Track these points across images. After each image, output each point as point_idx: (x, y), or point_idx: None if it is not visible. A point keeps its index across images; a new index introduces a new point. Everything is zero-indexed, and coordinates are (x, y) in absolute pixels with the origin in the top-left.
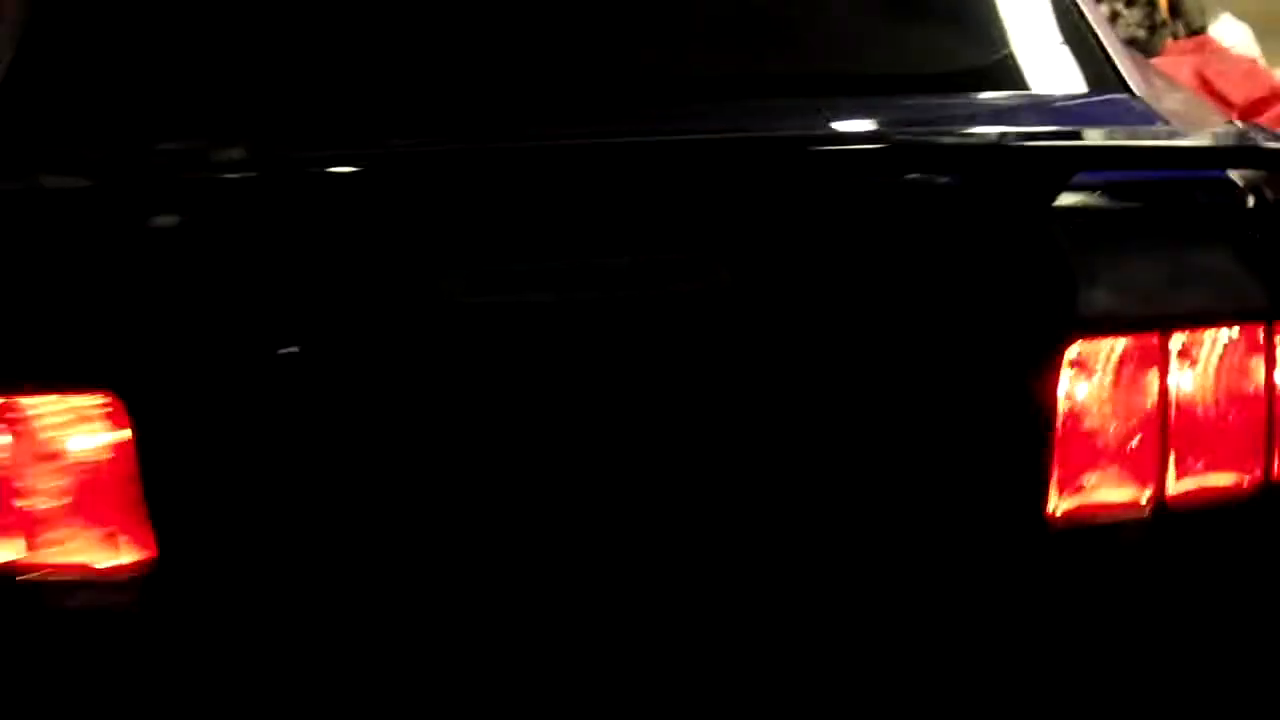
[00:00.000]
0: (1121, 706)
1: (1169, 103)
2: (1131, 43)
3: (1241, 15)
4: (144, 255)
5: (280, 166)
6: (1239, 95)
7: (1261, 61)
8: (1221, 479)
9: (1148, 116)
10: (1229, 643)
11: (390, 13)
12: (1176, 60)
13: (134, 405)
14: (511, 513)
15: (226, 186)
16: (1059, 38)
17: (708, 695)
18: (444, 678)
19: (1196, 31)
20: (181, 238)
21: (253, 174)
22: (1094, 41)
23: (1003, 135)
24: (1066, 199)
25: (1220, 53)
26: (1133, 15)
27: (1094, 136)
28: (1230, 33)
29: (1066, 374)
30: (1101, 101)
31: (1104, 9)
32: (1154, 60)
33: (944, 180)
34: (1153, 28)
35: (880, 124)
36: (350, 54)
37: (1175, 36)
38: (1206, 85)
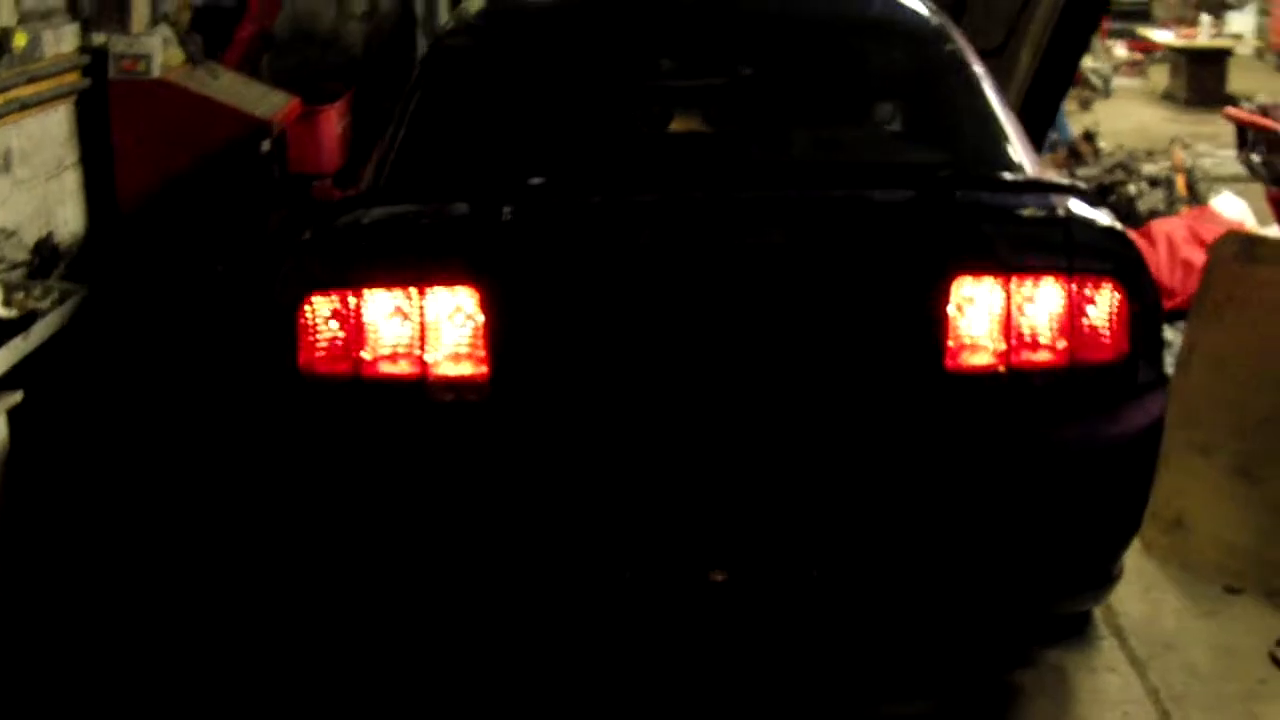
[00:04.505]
0: (978, 461)
1: (1036, 172)
2: (1153, 213)
3: None
4: (501, 233)
5: (569, 187)
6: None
7: (1251, 223)
8: (1043, 355)
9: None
10: (1044, 437)
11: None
12: (1180, 219)
13: (485, 296)
14: (683, 349)
15: (542, 196)
16: (991, 144)
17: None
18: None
19: (1203, 204)
20: (517, 223)
21: (559, 193)
22: (1016, 148)
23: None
24: (972, 212)
25: (1214, 216)
26: (1156, 194)
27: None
28: (1228, 205)
29: (957, 294)
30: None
31: (1131, 188)
32: (1164, 220)
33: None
34: (1171, 202)
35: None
36: (612, 144)
37: (1189, 206)
38: (1195, 234)
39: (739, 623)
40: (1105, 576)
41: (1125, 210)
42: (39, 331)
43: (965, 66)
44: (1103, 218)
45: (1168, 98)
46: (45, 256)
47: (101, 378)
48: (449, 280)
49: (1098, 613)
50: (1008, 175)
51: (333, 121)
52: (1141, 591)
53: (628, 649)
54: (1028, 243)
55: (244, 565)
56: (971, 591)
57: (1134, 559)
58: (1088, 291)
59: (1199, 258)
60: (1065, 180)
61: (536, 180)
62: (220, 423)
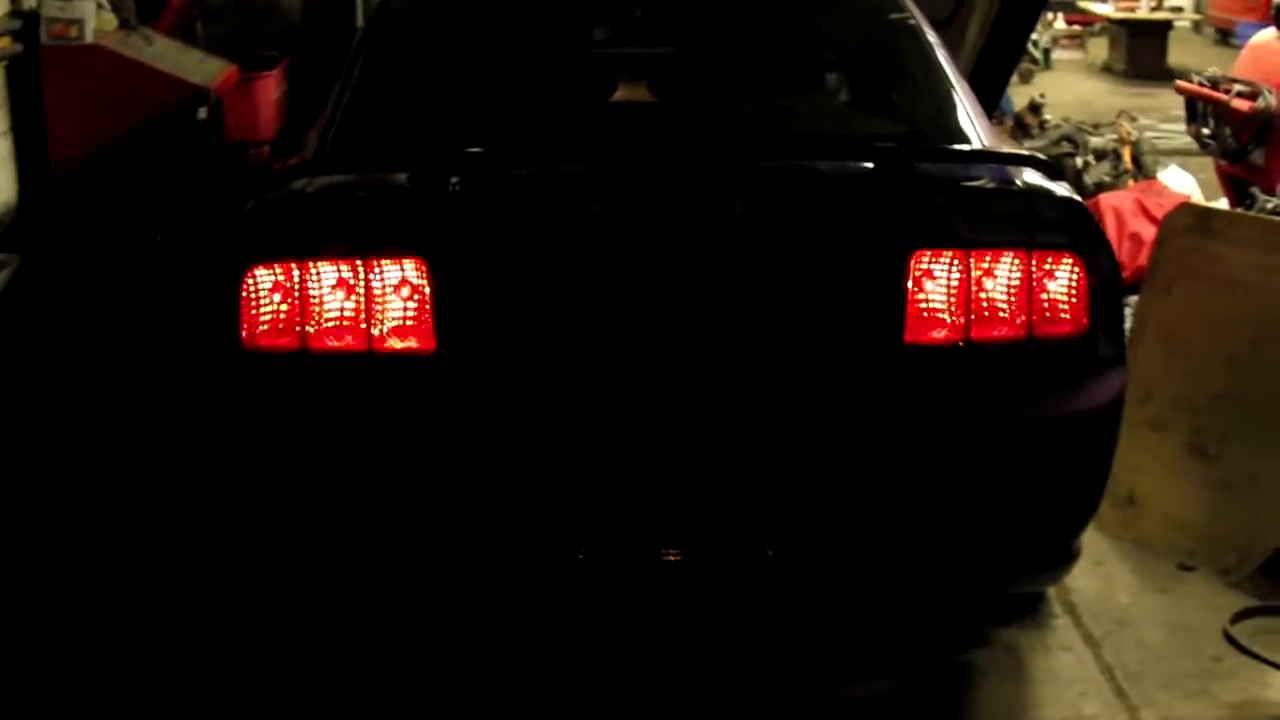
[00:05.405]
0: (937, 437)
1: (992, 143)
2: (1099, 186)
3: None
4: (449, 204)
5: (504, 151)
6: (1161, 214)
7: (1198, 196)
8: (1002, 329)
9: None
10: (1004, 412)
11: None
12: (1128, 192)
13: (432, 268)
14: (636, 323)
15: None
16: (950, 119)
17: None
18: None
19: (1150, 177)
20: (466, 193)
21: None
22: (970, 118)
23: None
24: (931, 185)
25: (1161, 190)
26: (1102, 167)
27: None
28: (1175, 178)
29: (916, 267)
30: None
31: (1078, 161)
32: (1112, 193)
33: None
34: (1117, 175)
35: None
36: (561, 111)
37: (1135, 179)
38: (1143, 207)
39: (695, 603)
40: (1066, 554)
41: (1072, 183)
42: None
43: (920, 36)
44: (1061, 190)
45: (1107, 70)
46: None
47: (40, 348)
48: (395, 252)
49: (1051, 590)
50: (966, 146)
51: (270, 89)
52: (1093, 568)
53: (583, 629)
54: (987, 216)
55: (187, 544)
56: (930, 571)
57: (1085, 535)
58: (1048, 265)
59: (1147, 231)
60: (1024, 151)
61: (484, 149)
62: (162, 397)
